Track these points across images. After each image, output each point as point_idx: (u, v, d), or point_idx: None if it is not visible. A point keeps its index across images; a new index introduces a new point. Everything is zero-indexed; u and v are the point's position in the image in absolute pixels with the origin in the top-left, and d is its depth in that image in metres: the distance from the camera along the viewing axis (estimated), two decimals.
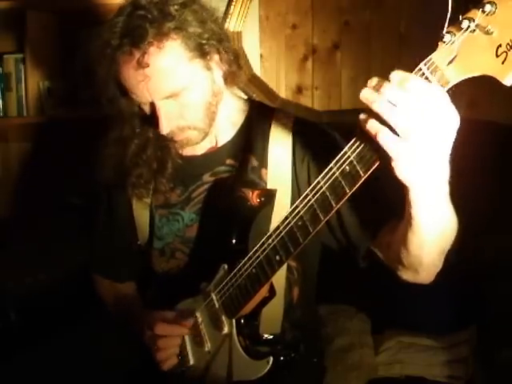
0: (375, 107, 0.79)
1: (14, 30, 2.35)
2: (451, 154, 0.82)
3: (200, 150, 1.33)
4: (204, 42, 1.15)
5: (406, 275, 1.08)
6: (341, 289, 1.66)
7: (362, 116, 0.82)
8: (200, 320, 1.24)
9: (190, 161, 1.33)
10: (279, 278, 1.21)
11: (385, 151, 0.80)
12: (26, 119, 2.35)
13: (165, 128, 1.17)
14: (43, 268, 1.81)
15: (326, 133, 1.27)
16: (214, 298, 1.19)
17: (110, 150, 1.31)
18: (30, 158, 2.50)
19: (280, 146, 1.25)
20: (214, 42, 1.17)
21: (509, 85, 0.72)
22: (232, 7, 2.12)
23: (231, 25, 2.15)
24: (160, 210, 1.34)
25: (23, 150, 2.52)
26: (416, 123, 0.77)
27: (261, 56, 2.25)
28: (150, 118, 1.20)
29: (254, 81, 2.20)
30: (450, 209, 0.93)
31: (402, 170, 0.81)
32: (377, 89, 0.79)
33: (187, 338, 1.27)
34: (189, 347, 1.27)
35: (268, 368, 1.11)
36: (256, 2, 2.19)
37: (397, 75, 0.78)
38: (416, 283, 1.09)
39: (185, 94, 1.16)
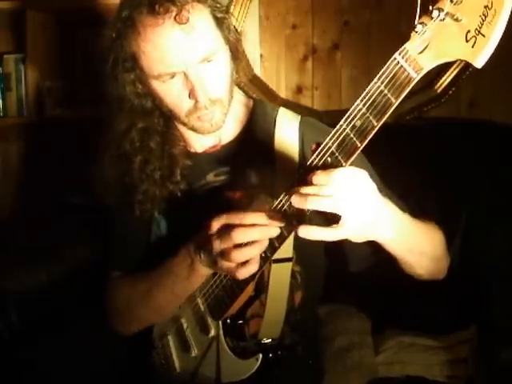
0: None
1: (14, 30, 2.35)
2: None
3: (203, 147, 1.31)
4: (223, 16, 1.17)
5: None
6: (341, 289, 1.66)
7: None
8: (185, 326, 1.22)
9: (195, 159, 1.30)
10: (282, 285, 1.17)
11: None
12: (26, 119, 2.35)
13: (202, 95, 1.14)
14: (43, 268, 1.80)
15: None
16: (199, 301, 1.18)
17: (111, 171, 1.28)
18: (30, 158, 2.50)
19: (286, 144, 1.23)
20: (229, 18, 1.20)
21: (480, 67, 0.76)
22: (232, 7, 2.12)
23: None
24: (161, 205, 1.29)
25: (23, 150, 2.52)
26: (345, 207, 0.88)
27: (261, 56, 2.25)
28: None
29: (254, 81, 2.20)
30: (418, 225, 1.03)
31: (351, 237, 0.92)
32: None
33: (172, 346, 1.25)
34: (174, 355, 1.25)
35: (258, 365, 1.09)
36: (256, 2, 2.19)
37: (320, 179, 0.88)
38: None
39: (215, 59, 1.15)
